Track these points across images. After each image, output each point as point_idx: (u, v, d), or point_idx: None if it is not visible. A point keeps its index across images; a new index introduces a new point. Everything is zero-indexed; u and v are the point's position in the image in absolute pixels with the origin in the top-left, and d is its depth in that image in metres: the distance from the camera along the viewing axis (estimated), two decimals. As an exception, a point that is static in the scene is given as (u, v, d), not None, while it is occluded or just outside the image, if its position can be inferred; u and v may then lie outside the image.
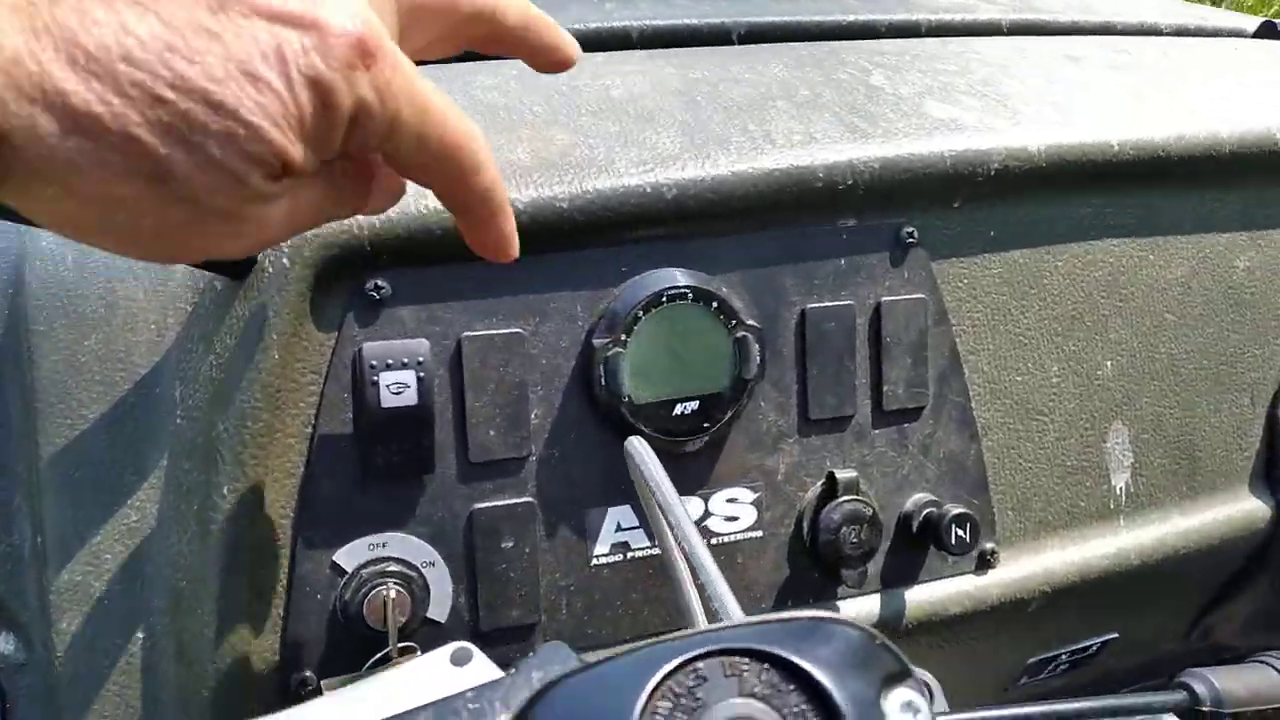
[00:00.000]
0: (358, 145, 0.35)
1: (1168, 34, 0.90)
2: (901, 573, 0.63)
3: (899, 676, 0.24)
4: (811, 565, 0.61)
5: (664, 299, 0.54)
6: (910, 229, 0.61)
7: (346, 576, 0.52)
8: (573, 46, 0.43)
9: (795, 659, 0.23)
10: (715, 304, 0.56)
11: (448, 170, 0.37)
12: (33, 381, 0.52)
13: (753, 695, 0.23)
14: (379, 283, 0.51)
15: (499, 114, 0.57)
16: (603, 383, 0.54)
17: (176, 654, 0.51)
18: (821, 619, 0.25)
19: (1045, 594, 0.66)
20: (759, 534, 0.59)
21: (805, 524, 0.60)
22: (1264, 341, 0.73)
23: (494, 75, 0.62)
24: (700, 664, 0.23)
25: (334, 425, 0.51)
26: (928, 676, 0.41)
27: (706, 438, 0.58)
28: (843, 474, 0.60)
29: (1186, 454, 0.71)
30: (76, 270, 0.55)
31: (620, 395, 0.54)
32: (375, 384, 0.50)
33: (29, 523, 0.53)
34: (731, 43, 0.74)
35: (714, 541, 0.59)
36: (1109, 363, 0.68)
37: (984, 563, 0.65)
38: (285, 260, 0.49)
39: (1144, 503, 0.70)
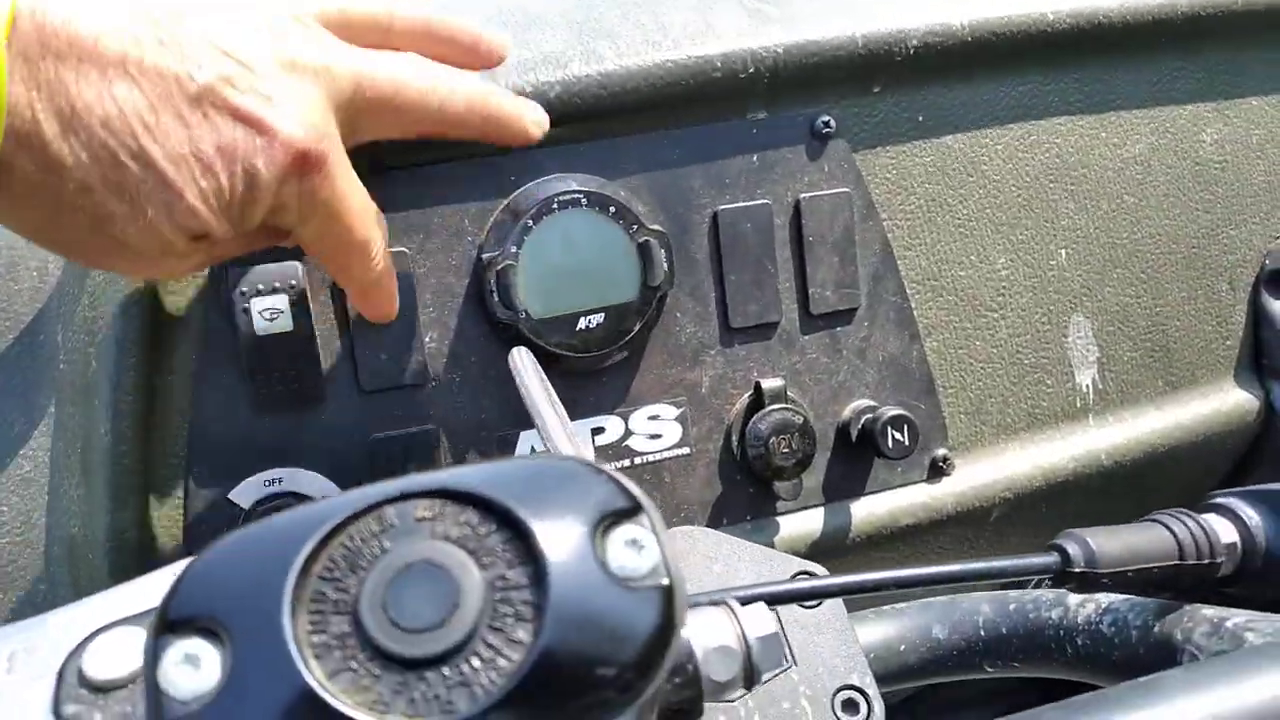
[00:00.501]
0: (272, 224, 0.41)
1: None
2: (846, 484, 0.60)
3: (627, 513, 0.21)
4: (745, 480, 0.58)
5: (555, 205, 0.52)
6: (826, 118, 0.57)
7: (243, 514, 0.50)
8: (530, 118, 0.49)
9: (492, 496, 0.21)
10: (613, 209, 0.53)
11: (339, 263, 0.44)
12: (-81, 337, 0.52)
13: (446, 538, 0.21)
14: (247, 207, 0.49)
15: (379, 30, 0.55)
16: (496, 299, 0.52)
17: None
18: (551, 459, 0.22)
19: (1008, 500, 0.62)
20: (686, 451, 0.57)
21: (734, 437, 0.57)
22: (1239, 221, 0.68)
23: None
24: (389, 508, 0.21)
25: (215, 358, 0.50)
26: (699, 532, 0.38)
27: (622, 353, 0.55)
28: (769, 383, 0.57)
29: (1159, 346, 0.67)
30: (-41, 224, 0.53)
31: (516, 310, 0.51)
32: (247, 311, 0.48)
33: None
34: None
35: (638, 461, 0.56)
36: (1063, 251, 0.63)
37: (936, 470, 0.61)
38: (144, 188, 0.47)
39: (1114, 400, 0.66)
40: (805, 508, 0.59)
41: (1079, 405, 0.65)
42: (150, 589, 0.26)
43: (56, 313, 0.51)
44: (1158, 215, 0.66)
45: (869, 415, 0.57)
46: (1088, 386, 0.65)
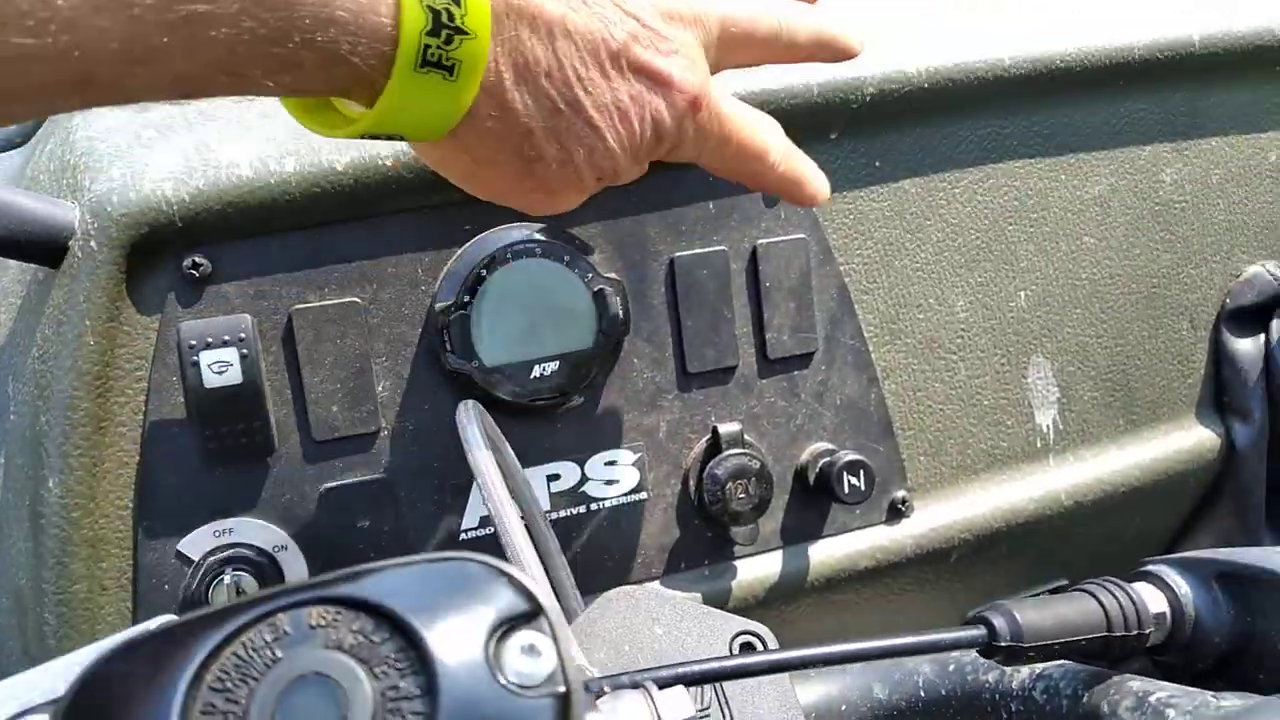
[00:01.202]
0: (670, 159, 0.46)
1: None
2: (804, 527, 0.60)
3: (525, 617, 0.21)
4: (702, 525, 0.58)
5: (509, 255, 0.52)
6: (781, 165, 0.57)
7: (193, 565, 0.50)
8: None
9: (384, 604, 0.21)
10: (567, 257, 0.53)
11: (745, 174, 0.48)
12: None
13: (339, 647, 0.21)
14: (196, 259, 0.49)
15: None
16: (449, 348, 0.52)
17: (22, 652, 0.50)
18: (447, 558, 0.22)
19: (968, 541, 0.62)
20: (643, 496, 0.57)
21: (691, 482, 0.57)
22: (1199, 260, 0.69)
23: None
24: (282, 616, 0.21)
25: (165, 410, 0.50)
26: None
27: (578, 399, 0.55)
28: (726, 427, 0.57)
29: (1120, 385, 0.67)
30: (-89, 273, 0.53)
31: (470, 359, 0.51)
32: (196, 364, 0.48)
33: None
34: None
35: (594, 507, 0.56)
36: (1023, 293, 0.64)
37: (895, 512, 0.61)
38: (92, 244, 0.47)
39: (1075, 439, 0.66)
40: (764, 551, 0.59)
41: (1039, 445, 0.65)
42: (56, 677, 0.26)
43: (8, 365, 0.51)
44: (1118, 255, 0.66)
45: (826, 459, 0.58)
46: (1048, 426, 0.65)
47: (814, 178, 0.49)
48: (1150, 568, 0.36)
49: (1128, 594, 0.33)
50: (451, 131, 0.38)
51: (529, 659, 0.21)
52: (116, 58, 0.30)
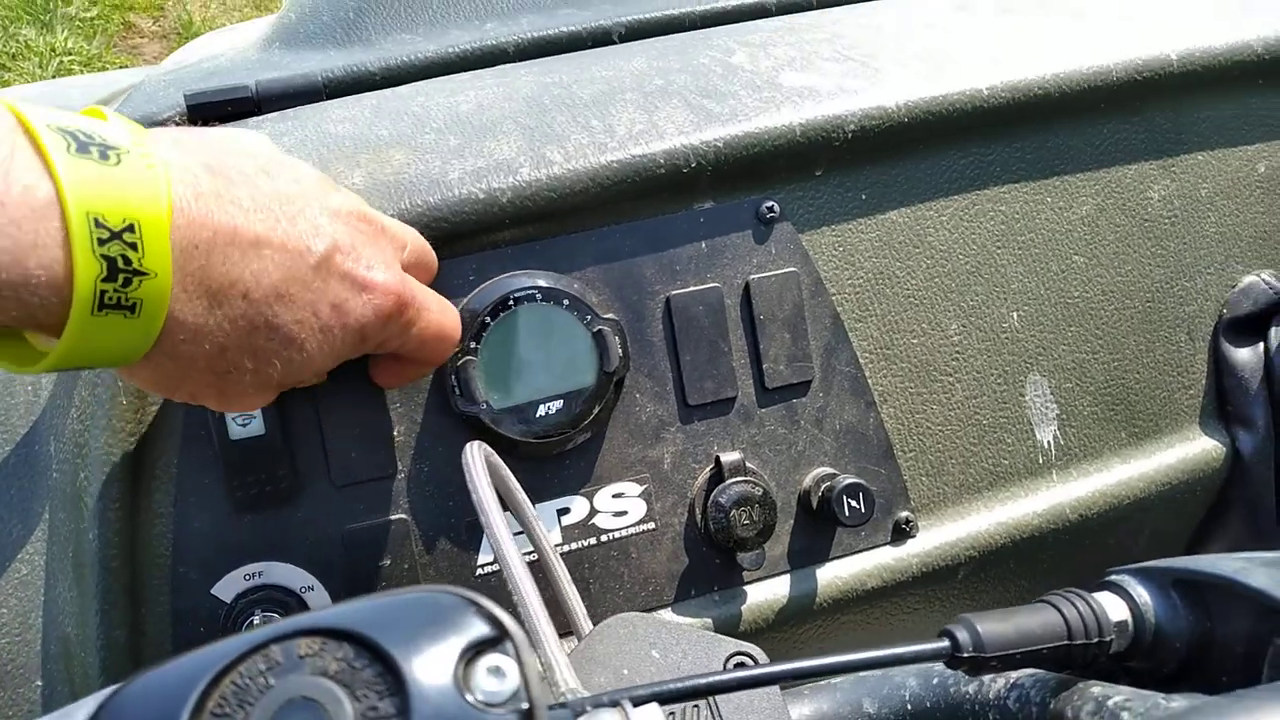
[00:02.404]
0: (379, 350, 0.48)
1: None
2: (809, 551, 0.61)
3: (492, 641, 0.24)
4: (710, 552, 0.60)
5: (511, 302, 0.55)
6: (771, 203, 0.60)
7: (226, 608, 0.53)
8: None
9: (363, 632, 0.23)
10: (566, 301, 0.56)
11: (436, 359, 0.51)
12: (-76, 451, 0.55)
13: (324, 674, 0.23)
14: (219, 320, 0.53)
15: (345, 143, 0.59)
16: (458, 392, 0.54)
17: (70, 698, 0.53)
18: (422, 590, 0.25)
19: (974, 559, 0.64)
20: (651, 526, 0.59)
21: (697, 511, 0.60)
22: (1193, 273, 0.70)
23: (350, 109, 0.63)
24: (274, 647, 0.24)
25: (195, 462, 0.53)
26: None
27: (583, 436, 0.58)
28: (728, 456, 0.59)
29: (1120, 399, 0.68)
30: (-38, 343, 0.57)
31: (477, 403, 0.54)
32: (221, 418, 0.51)
33: None
34: (614, 43, 0.74)
35: (604, 539, 0.58)
36: (1015, 314, 0.65)
37: (900, 533, 0.63)
38: (123, 309, 0.51)
39: (1077, 454, 0.67)
40: (771, 576, 0.61)
41: (1041, 461, 0.66)
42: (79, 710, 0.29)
43: (49, 425, 0.55)
44: (1109, 272, 0.68)
45: (827, 484, 0.59)
46: (1049, 443, 0.67)
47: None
48: (1113, 577, 0.37)
49: (1088, 603, 0.35)
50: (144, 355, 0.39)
51: (494, 679, 0.23)
52: None
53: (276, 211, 0.41)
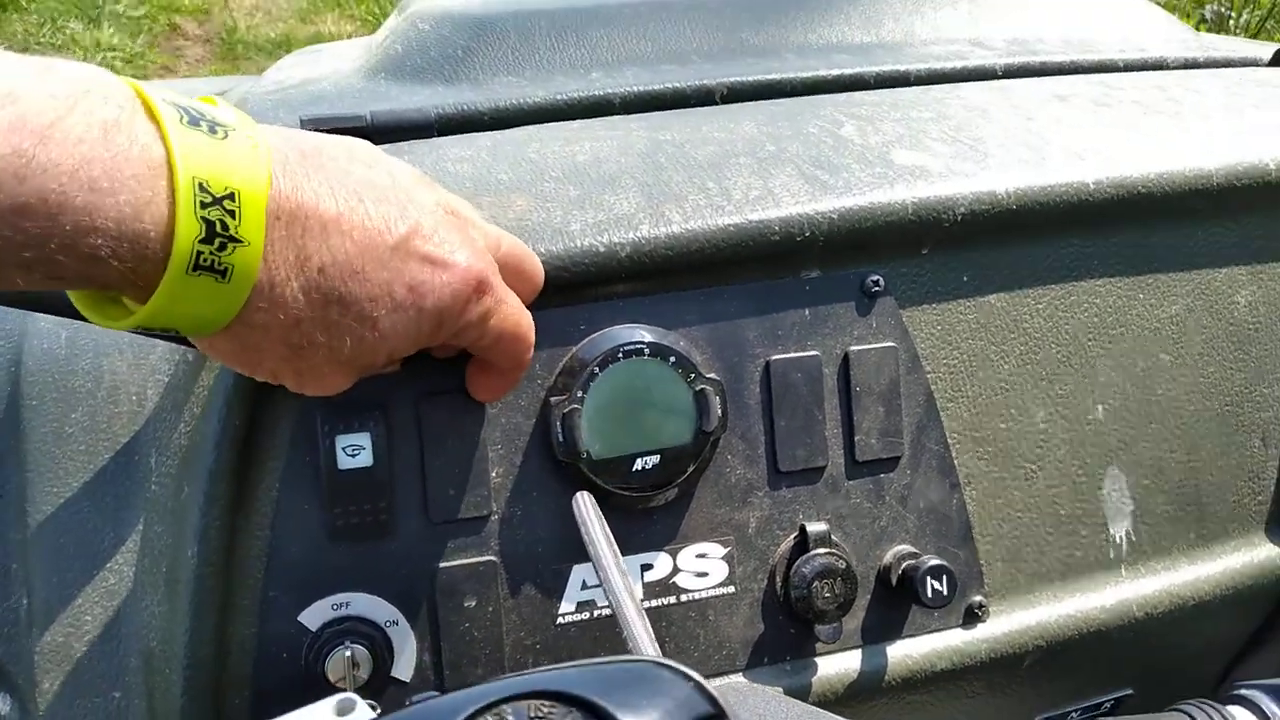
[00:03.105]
0: (452, 344, 0.49)
1: (1174, 67, 0.89)
2: (883, 628, 0.61)
3: (710, 718, 0.24)
4: (786, 621, 0.60)
5: (620, 355, 0.55)
6: (876, 277, 0.61)
7: (311, 636, 0.53)
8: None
9: (594, 699, 0.23)
10: (673, 358, 0.56)
11: (512, 361, 0.51)
12: (24, 453, 0.56)
13: (554, 739, 0.23)
14: (336, 348, 0.53)
15: (465, 183, 0.59)
16: (560, 440, 0.55)
17: (147, 710, 0.53)
18: (643, 662, 0.25)
19: (1041, 648, 0.64)
20: (731, 590, 0.59)
21: (778, 579, 0.60)
22: (1272, 380, 0.71)
23: (468, 147, 0.64)
24: (505, 708, 0.24)
25: (297, 487, 0.53)
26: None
27: (673, 492, 0.58)
28: (814, 526, 0.59)
29: (1192, 500, 0.69)
30: (68, 347, 0.58)
31: (578, 451, 0.55)
32: (331, 446, 0.52)
33: (23, 587, 0.56)
34: (715, 103, 0.76)
35: (684, 598, 0.58)
36: (1100, 407, 0.66)
37: (972, 616, 0.63)
38: (245, 330, 0.51)
39: (1147, 551, 0.67)
40: (844, 649, 0.61)
41: (1112, 556, 0.67)
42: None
43: (152, 437, 0.55)
44: (1193, 373, 0.68)
45: (910, 562, 0.60)
46: (1121, 538, 0.67)
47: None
48: (1244, 691, 0.37)
49: (1222, 716, 0.35)
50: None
51: (717, 762, 0.24)
52: None
53: (363, 195, 0.42)
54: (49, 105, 0.34)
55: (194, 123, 0.38)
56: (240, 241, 0.38)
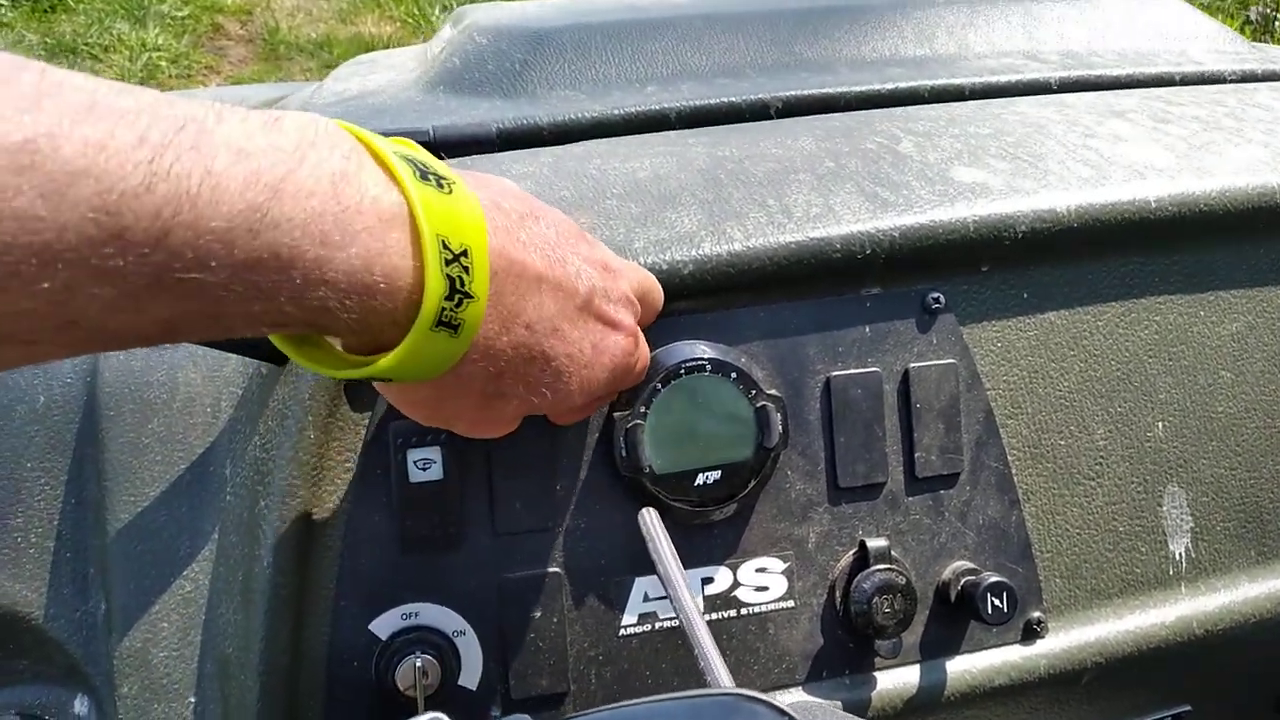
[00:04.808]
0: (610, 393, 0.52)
1: (1232, 81, 0.88)
2: (942, 643, 0.62)
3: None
4: (846, 635, 0.60)
5: (682, 371, 0.56)
6: (936, 295, 0.61)
7: (381, 645, 0.54)
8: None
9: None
10: (734, 375, 0.57)
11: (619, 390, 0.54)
12: (102, 462, 0.57)
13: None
14: (407, 364, 0.54)
15: (528, 199, 0.60)
16: (623, 454, 0.56)
17: (223, 717, 0.54)
18: (737, 695, 0.26)
19: (1099, 665, 0.64)
20: (791, 604, 0.60)
21: (838, 593, 0.60)
22: (1336, 398, 0.70)
23: (528, 164, 0.65)
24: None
25: (368, 500, 0.54)
26: None
27: (733, 507, 0.58)
28: (874, 542, 0.59)
29: (1253, 517, 0.68)
30: (143, 358, 0.59)
31: (641, 466, 0.55)
32: (403, 460, 0.53)
33: (102, 592, 0.57)
34: (770, 117, 0.76)
35: (744, 612, 0.59)
36: (1160, 424, 0.66)
37: (1030, 632, 0.63)
38: (320, 346, 0.52)
39: (1207, 569, 0.67)
40: (903, 664, 0.61)
41: (1172, 573, 0.66)
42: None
43: (227, 449, 0.56)
44: (1253, 390, 0.68)
45: (970, 578, 0.60)
46: (1181, 555, 0.67)
47: None
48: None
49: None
50: None
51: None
52: (105, 309, 0.31)
53: (548, 253, 0.44)
54: (279, 159, 0.33)
55: (423, 177, 0.38)
56: (472, 297, 0.38)
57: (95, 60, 3.90)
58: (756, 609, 0.59)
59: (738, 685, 0.58)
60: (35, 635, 0.58)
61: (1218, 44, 0.92)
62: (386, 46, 4.17)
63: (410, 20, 4.50)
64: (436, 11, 4.26)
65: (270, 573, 0.52)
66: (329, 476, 0.54)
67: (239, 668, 0.53)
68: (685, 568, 0.58)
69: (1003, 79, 0.81)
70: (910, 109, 0.76)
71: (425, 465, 0.53)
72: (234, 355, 0.58)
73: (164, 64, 4.06)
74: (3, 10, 4.05)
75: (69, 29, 4.16)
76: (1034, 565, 0.63)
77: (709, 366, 0.56)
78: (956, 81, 0.80)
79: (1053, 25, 0.89)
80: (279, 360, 0.54)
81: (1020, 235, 0.61)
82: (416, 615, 0.55)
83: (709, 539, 0.59)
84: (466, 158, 0.67)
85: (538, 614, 0.56)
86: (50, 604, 0.58)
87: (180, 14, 4.43)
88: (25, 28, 4.03)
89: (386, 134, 0.65)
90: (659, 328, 0.57)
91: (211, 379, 0.58)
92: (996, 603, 0.58)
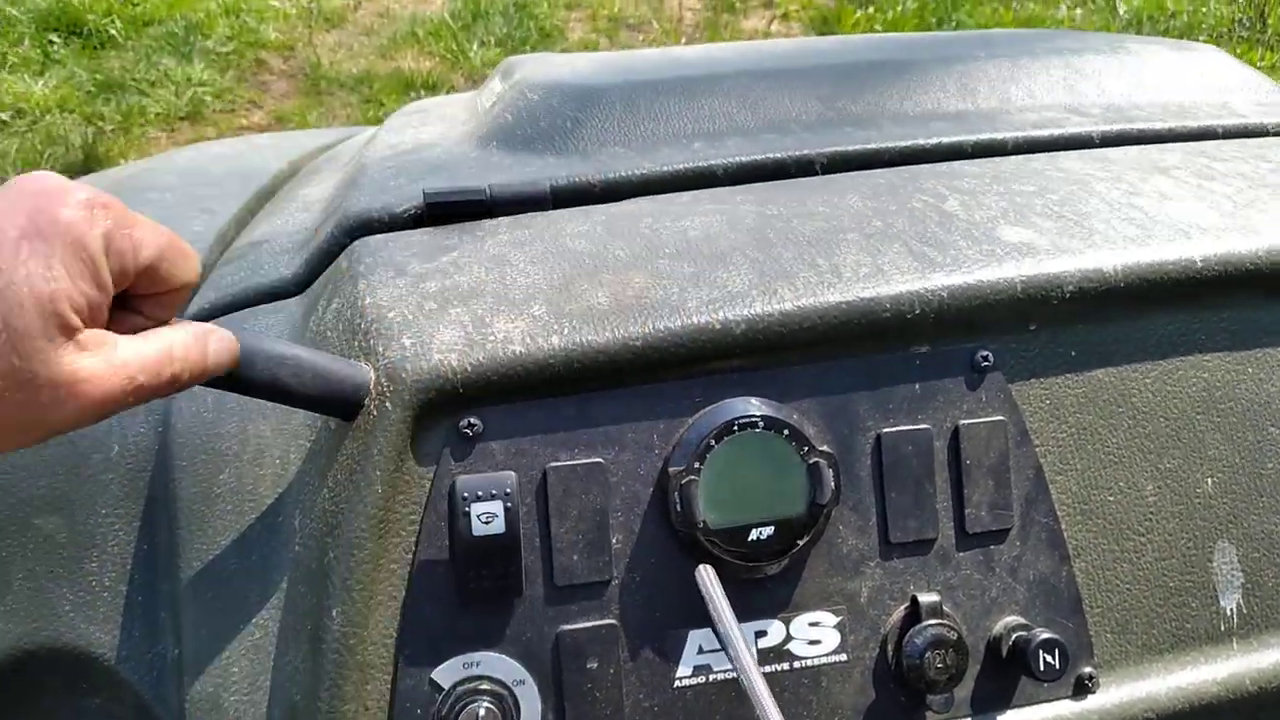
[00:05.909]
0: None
1: (1275, 134, 0.88)
2: (993, 698, 0.62)
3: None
4: (898, 690, 0.61)
5: (735, 427, 0.57)
6: (985, 353, 0.62)
7: (443, 693, 0.55)
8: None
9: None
10: (787, 431, 0.58)
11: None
12: (175, 510, 0.59)
13: None
14: (471, 420, 0.56)
15: (585, 260, 0.62)
16: (678, 509, 0.57)
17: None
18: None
19: (1151, 721, 0.64)
20: (843, 658, 0.60)
21: (890, 648, 0.61)
22: (1387, 453, 0.70)
23: (582, 223, 0.67)
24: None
25: (432, 552, 0.56)
26: None
27: (785, 562, 0.59)
28: (926, 597, 0.60)
29: (1305, 573, 0.68)
30: (215, 409, 0.62)
31: (695, 521, 0.57)
32: (467, 514, 0.54)
33: (173, 636, 0.59)
34: (816, 173, 0.77)
35: (797, 665, 0.60)
36: (1209, 480, 0.66)
37: (1082, 688, 0.63)
38: (387, 404, 0.54)
39: (1259, 625, 0.67)
40: (954, 719, 0.61)
41: (1223, 629, 0.66)
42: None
43: (296, 500, 0.58)
44: (1303, 446, 0.68)
45: (1021, 634, 0.60)
46: (1232, 611, 0.67)
47: None
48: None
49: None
50: None
51: None
52: None
53: None
54: None
55: None
56: None
57: (142, 95, 4.00)
58: (809, 663, 0.60)
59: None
60: (107, 675, 0.61)
61: (1259, 95, 0.93)
62: (426, 81, 4.24)
63: (449, 56, 4.58)
64: (475, 47, 4.33)
65: (339, 623, 0.54)
66: (395, 529, 0.56)
67: (305, 715, 0.55)
68: (739, 621, 0.59)
69: (1045, 133, 0.82)
70: (954, 164, 0.77)
71: (488, 519, 0.55)
72: (300, 410, 0.60)
73: (209, 98, 4.16)
74: (54, 47, 4.17)
75: (117, 65, 4.27)
76: (1084, 620, 0.63)
77: (761, 423, 0.58)
78: (999, 136, 0.81)
79: (1093, 78, 0.90)
80: (348, 416, 0.56)
81: (1068, 295, 0.62)
82: (478, 665, 0.56)
83: (762, 593, 0.60)
84: (522, 216, 0.69)
85: (594, 665, 0.57)
86: (122, 646, 0.60)
87: (225, 49, 4.53)
88: (75, 64, 4.14)
89: (443, 192, 0.68)
90: (712, 385, 0.59)
91: (280, 431, 0.60)
92: (1048, 659, 0.59)
